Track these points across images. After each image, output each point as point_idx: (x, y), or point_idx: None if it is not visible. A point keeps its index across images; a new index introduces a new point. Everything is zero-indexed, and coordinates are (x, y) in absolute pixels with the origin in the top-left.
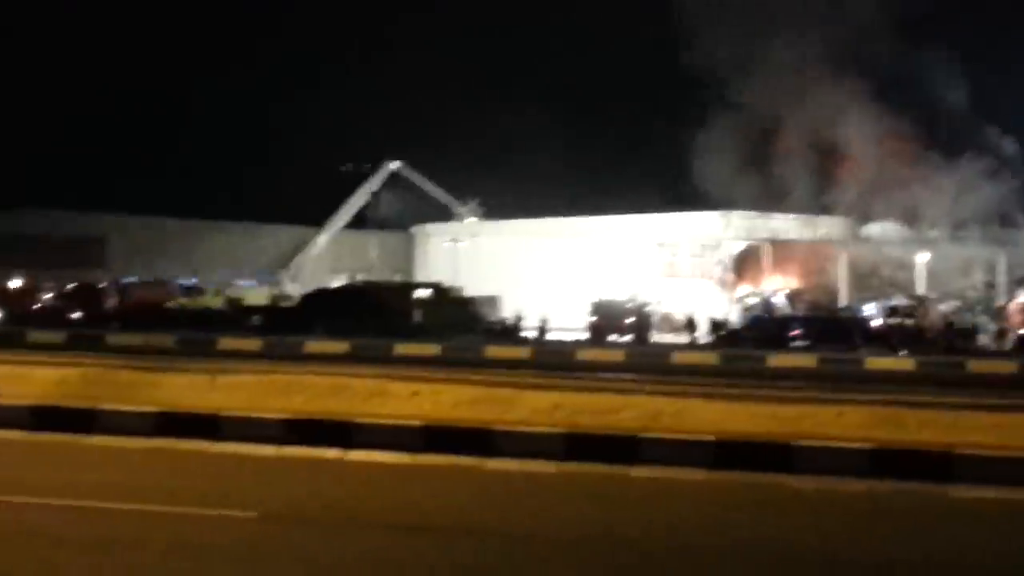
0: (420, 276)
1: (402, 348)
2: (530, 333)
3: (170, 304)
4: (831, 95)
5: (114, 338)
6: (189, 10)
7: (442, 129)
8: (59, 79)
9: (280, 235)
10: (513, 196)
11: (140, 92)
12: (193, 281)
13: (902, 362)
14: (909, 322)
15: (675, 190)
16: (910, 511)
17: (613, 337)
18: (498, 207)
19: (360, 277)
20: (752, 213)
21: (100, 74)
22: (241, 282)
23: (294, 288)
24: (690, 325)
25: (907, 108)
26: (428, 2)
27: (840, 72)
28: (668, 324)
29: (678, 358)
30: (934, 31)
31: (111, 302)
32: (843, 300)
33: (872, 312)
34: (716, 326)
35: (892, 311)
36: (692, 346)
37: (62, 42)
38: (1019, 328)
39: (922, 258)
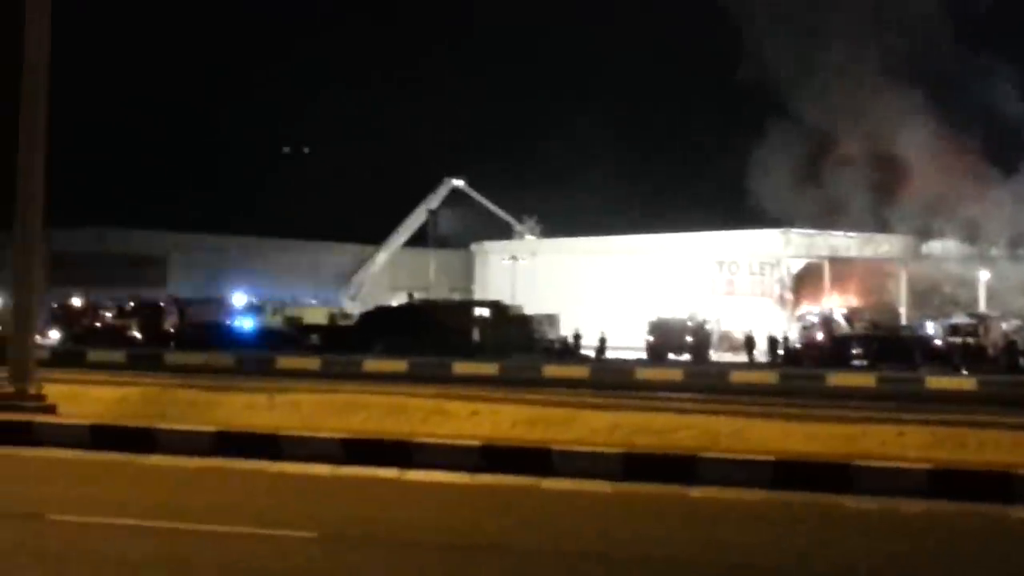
0: (479, 294)
1: (461, 367)
2: (588, 352)
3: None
4: (890, 109)
5: (173, 357)
6: (250, 31)
7: (503, 147)
8: (122, 98)
9: (339, 253)
10: (572, 214)
11: (202, 110)
12: (252, 300)
13: (963, 381)
14: (970, 341)
15: (735, 208)
16: (970, 532)
17: (671, 356)
18: (557, 225)
19: (419, 295)
20: (812, 231)
21: (164, 93)
22: (306, 300)
23: (353, 306)
24: (749, 344)
25: (969, 123)
26: (490, 21)
27: (899, 85)
28: (727, 343)
29: (736, 377)
30: (995, 43)
31: (171, 321)
32: (904, 318)
33: (933, 330)
34: (774, 344)
35: (953, 330)
36: (751, 365)
37: (125, 62)
38: None
39: (983, 276)
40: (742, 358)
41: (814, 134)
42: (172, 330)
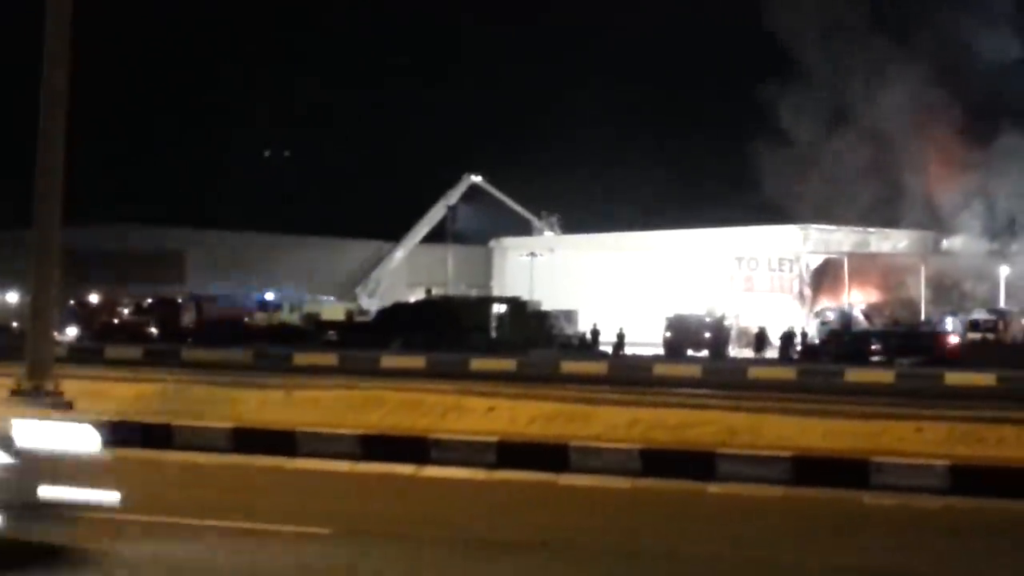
0: (497, 290)
1: (478, 363)
2: (607, 348)
3: (247, 319)
4: (912, 103)
5: (191, 353)
6: (264, 27)
7: (522, 143)
8: (140, 94)
9: (358, 249)
10: (591, 210)
11: (219, 107)
12: (271, 295)
13: (982, 377)
14: (990, 336)
15: (754, 204)
16: (990, 528)
17: (689, 352)
18: (576, 221)
19: (437, 291)
20: (831, 226)
21: (180, 89)
22: (320, 297)
23: (371, 303)
24: (760, 339)
25: (992, 118)
26: (507, 16)
27: (922, 78)
28: (745, 339)
29: (755, 373)
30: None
31: (189, 317)
32: (923, 314)
33: (952, 326)
34: (787, 340)
35: (973, 325)
36: (769, 361)
37: (141, 59)
38: None
39: (1003, 271)
40: (752, 354)
41: (836, 130)
42: (190, 326)
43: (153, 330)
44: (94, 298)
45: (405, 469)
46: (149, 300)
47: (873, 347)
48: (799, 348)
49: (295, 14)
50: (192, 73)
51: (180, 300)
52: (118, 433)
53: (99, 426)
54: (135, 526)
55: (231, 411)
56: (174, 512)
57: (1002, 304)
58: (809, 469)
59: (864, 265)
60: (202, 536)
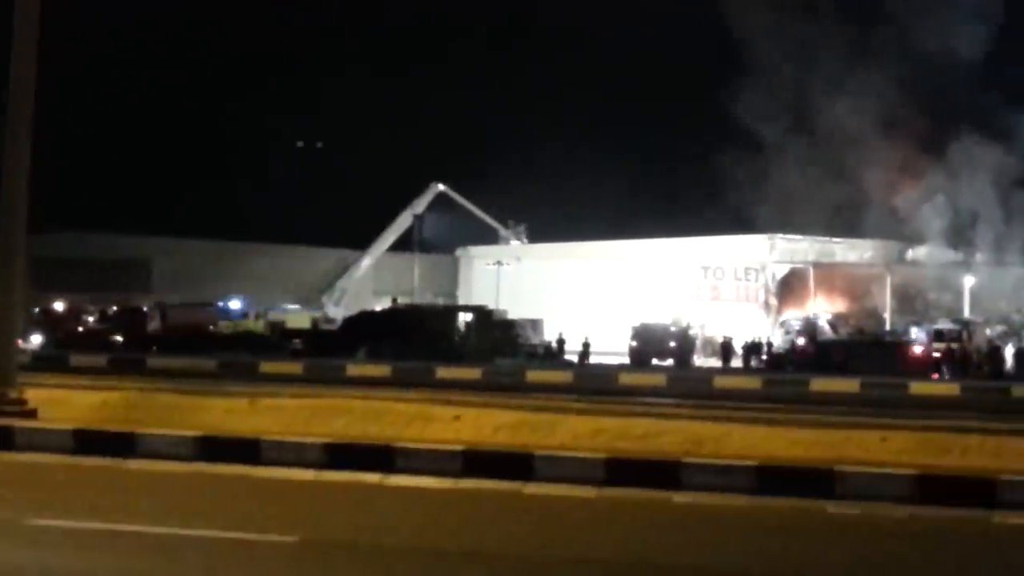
0: (464, 299)
1: (444, 372)
2: (572, 357)
3: (212, 328)
4: (874, 117)
5: (156, 361)
6: (226, 32)
7: (489, 152)
8: (102, 101)
9: (324, 258)
10: (558, 219)
11: (184, 114)
12: (237, 304)
13: (947, 387)
14: (955, 346)
15: (720, 214)
16: (954, 537)
17: (655, 361)
18: (543, 230)
19: (403, 300)
20: (797, 236)
21: (144, 96)
22: (284, 305)
23: (337, 311)
24: (726, 349)
25: (954, 129)
26: (472, 26)
27: (885, 93)
28: (711, 348)
29: (720, 383)
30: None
31: (154, 325)
32: (888, 324)
33: (917, 336)
34: (752, 350)
35: (938, 335)
36: (734, 370)
37: (101, 65)
38: None
39: (968, 281)
40: (717, 363)
41: (800, 139)
42: (155, 335)
43: (118, 338)
44: (59, 306)
45: (370, 478)
46: (114, 308)
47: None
48: (764, 358)
49: (259, 22)
50: (156, 80)
51: (145, 308)
52: (82, 441)
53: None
54: (90, 533)
55: (196, 419)
56: (135, 520)
57: (966, 314)
58: (774, 478)
59: (830, 275)
60: (164, 543)
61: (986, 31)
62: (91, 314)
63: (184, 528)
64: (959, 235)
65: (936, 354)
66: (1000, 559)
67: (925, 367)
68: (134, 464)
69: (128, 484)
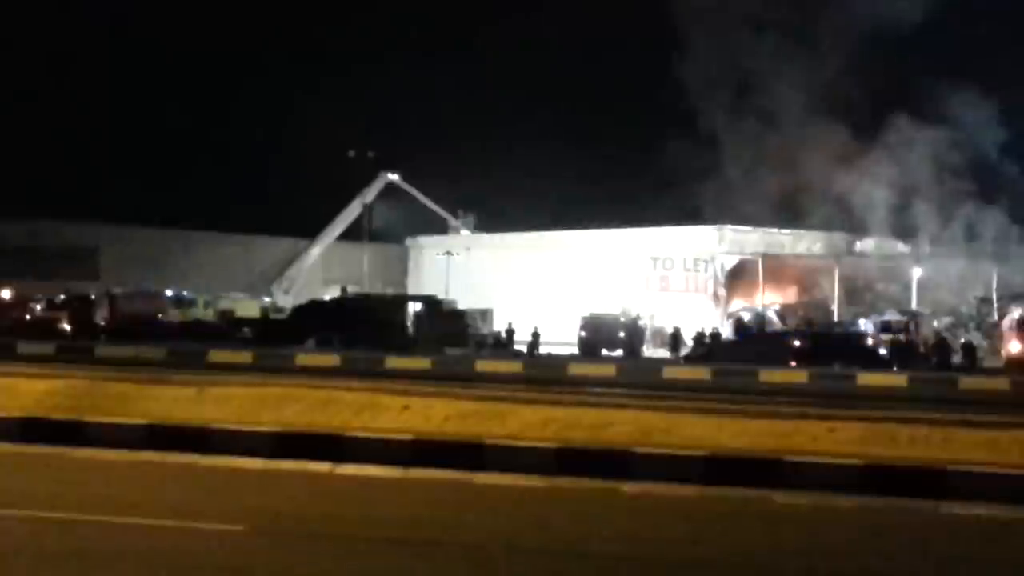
0: (413, 289)
1: (393, 362)
2: (522, 347)
3: (161, 316)
4: (821, 107)
5: (104, 350)
6: (180, 20)
7: (439, 141)
8: (50, 88)
9: (273, 247)
10: (507, 210)
11: (133, 102)
12: (184, 293)
13: (894, 378)
14: (902, 338)
15: (670, 204)
16: (900, 527)
17: (604, 352)
18: (492, 220)
19: (352, 289)
20: (746, 227)
21: (93, 83)
22: (235, 294)
23: (287, 300)
24: (675, 339)
25: (903, 122)
26: (423, 15)
27: (825, 87)
28: (660, 339)
29: (669, 373)
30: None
31: (102, 314)
32: (836, 315)
33: (865, 327)
34: (700, 341)
35: (885, 327)
36: (683, 361)
37: (53, 51)
38: (1011, 345)
39: (916, 273)
40: (666, 354)
41: (750, 132)
42: (103, 323)
43: (66, 326)
44: (6, 294)
45: (320, 467)
46: (62, 296)
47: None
48: (702, 348)
49: (211, 9)
50: (114, 68)
51: (94, 296)
52: (28, 429)
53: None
54: (37, 521)
55: (144, 408)
56: (82, 509)
57: (914, 305)
58: (723, 468)
59: (778, 266)
60: (112, 533)
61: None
62: (39, 302)
63: (129, 517)
64: (904, 226)
65: (882, 349)
66: (947, 548)
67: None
68: (81, 453)
69: (74, 473)
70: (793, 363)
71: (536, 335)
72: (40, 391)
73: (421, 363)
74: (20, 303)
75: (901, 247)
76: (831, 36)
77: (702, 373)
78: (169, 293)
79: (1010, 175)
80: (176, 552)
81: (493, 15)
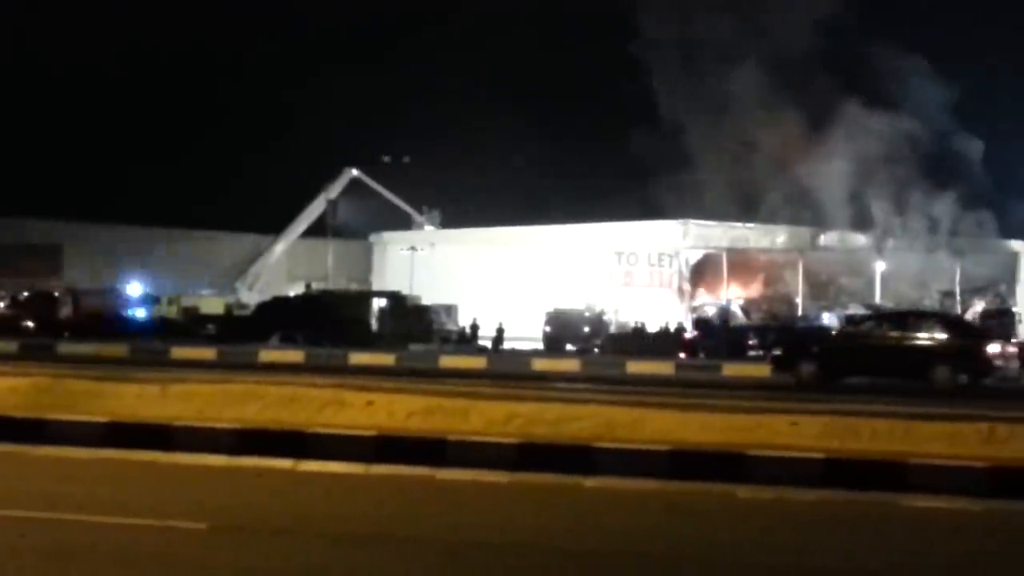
0: (377, 285)
1: (357, 358)
2: (486, 342)
3: (125, 313)
4: (782, 102)
5: (66, 347)
6: (141, 16)
7: (403, 137)
8: (11, 84)
9: (238, 243)
10: (472, 205)
11: (96, 98)
12: (148, 290)
13: None
14: None
15: (634, 199)
16: (861, 520)
17: (569, 347)
18: (457, 216)
19: (317, 285)
20: (710, 222)
21: (54, 79)
22: (198, 290)
23: (251, 297)
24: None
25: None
26: (386, 10)
27: (793, 80)
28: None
29: (633, 368)
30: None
31: (65, 311)
32: (801, 309)
33: (829, 322)
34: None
35: (848, 321)
36: (647, 355)
37: (12, 46)
38: None
39: (879, 267)
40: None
41: (713, 128)
42: (66, 320)
43: (29, 324)
44: None
45: (283, 463)
46: (25, 293)
47: (751, 342)
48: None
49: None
50: (76, 64)
51: (57, 294)
52: None
53: None
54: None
55: (106, 405)
56: (41, 506)
57: (877, 299)
58: (686, 463)
59: (743, 260)
60: (71, 530)
61: None
62: (2, 299)
63: (91, 515)
64: (868, 220)
65: None
66: (907, 540)
67: None
68: (42, 450)
69: (34, 470)
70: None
71: (501, 330)
72: (1, 389)
73: (385, 359)
74: None
75: (865, 241)
76: (789, 22)
77: (666, 367)
78: (133, 290)
79: (973, 169)
80: (135, 550)
81: (455, 7)
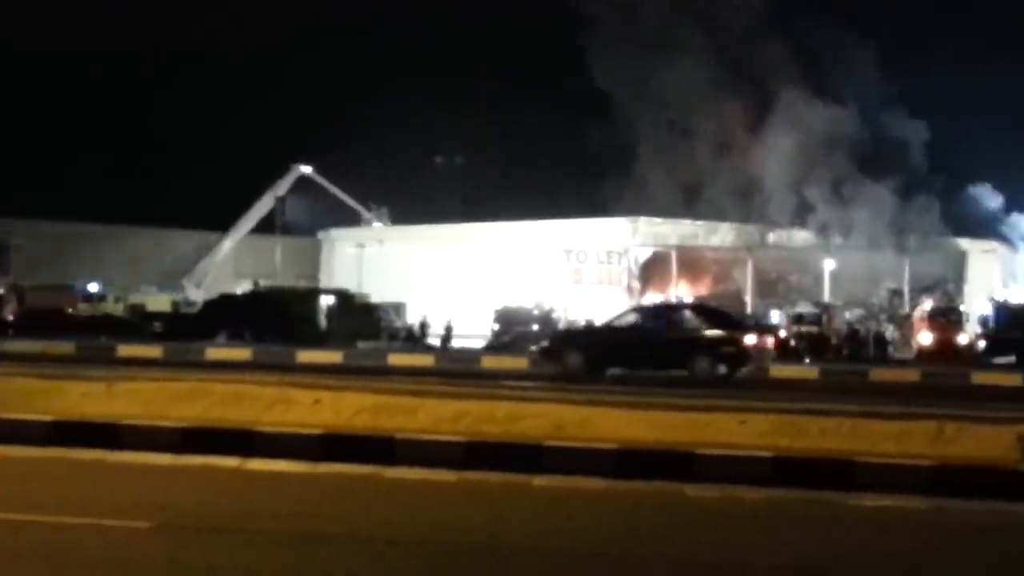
0: (325, 282)
1: (305, 355)
2: (435, 340)
3: (71, 310)
4: (731, 99)
5: (12, 345)
6: (91, 14)
7: (351, 133)
8: None
9: (185, 240)
10: (420, 202)
11: (43, 93)
12: (94, 287)
13: (806, 370)
14: (814, 330)
15: (583, 196)
16: (808, 518)
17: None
18: (405, 213)
19: (264, 283)
20: (659, 219)
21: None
22: (145, 288)
23: (197, 294)
24: None
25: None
26: (338, 8)
27: (743, 79)
28: None
29: None
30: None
31: (10, 308)
32: (750, 307)
33: (777, 319)
34: None
35: (798, 318)
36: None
37: None
38: (922, 336)
39: (828, 265)
40: None
41: (663, 124)
42: (11, 318)
43: None
44: None
45: (229, 462)
46: None
47: None
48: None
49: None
50: (24, 59)
51: (2, 291)
52: None
53: None
54: None
55: (51, 403)
56: None
57: (826, 297)
58: (634, 461)
59: (692, 258)
60: (11, 530)
61: None
62: None
63: (33, 514)
64: (817, 218)
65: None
66: (854, 538)
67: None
68: None
69: None
70: None
71: (449, 328)
72: None
73: (333, 357)
74: None
75: (814, 239)
76: (734, 16)
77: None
78: (79, 287)
79: (921, 166)
80: (76, 549)
81: (404, 4)
